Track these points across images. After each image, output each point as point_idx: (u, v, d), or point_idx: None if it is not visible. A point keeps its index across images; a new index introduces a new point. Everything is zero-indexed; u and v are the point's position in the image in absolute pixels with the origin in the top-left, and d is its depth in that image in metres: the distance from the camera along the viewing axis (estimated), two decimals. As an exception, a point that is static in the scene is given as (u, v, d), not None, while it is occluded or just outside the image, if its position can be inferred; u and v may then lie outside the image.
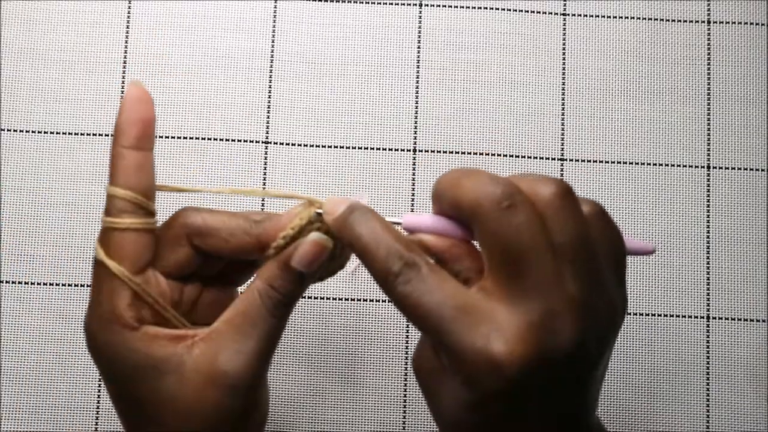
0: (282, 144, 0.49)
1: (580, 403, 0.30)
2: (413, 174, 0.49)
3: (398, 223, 0.32)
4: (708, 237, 0.49)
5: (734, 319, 0.48)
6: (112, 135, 0.34)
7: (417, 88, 0.50)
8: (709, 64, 0.51)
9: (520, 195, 0.28)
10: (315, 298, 0.48)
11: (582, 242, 0.28)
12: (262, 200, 0.49)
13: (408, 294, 0.29)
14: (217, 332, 0.33)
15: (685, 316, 0.48)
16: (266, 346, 0.33)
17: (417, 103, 0.50)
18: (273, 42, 0.50)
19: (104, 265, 0.33)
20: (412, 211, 0.49)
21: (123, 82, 0.50)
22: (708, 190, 0.50)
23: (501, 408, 0.28)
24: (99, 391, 0.47)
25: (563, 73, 0.51)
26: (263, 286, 0.33)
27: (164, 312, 0.33)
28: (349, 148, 0.49)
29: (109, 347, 0.32)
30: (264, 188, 0.49)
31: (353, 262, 0.34)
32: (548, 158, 0.50)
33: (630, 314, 0.48)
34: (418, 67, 0.50)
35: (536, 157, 0.50)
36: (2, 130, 0.49)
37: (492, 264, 0.29)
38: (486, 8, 0.51)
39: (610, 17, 0.51)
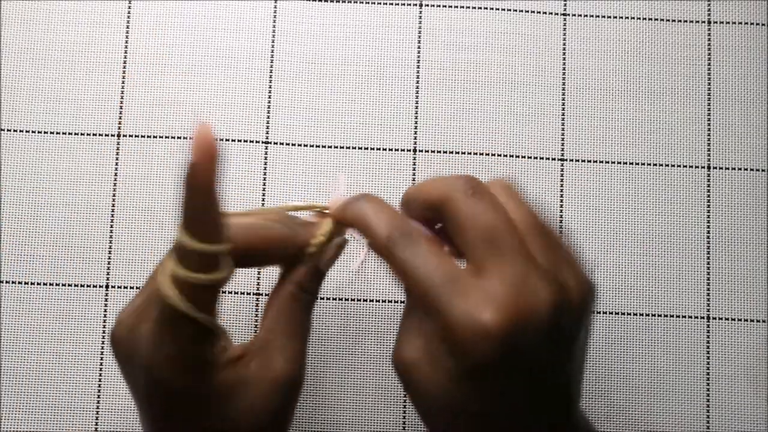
0: (282, 144, 0.49)
1: (567, 375, 0.32)
2: (413, 174, 0.49)
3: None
4: (708, 237, 0.49)
5: (734, 320, 0.48)
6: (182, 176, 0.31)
7: (417, 88, 0.50)
8: (709, 64, 0.51)
9: (479, 185, 0.32)
10: (315, 298, 0.48)
11: (536, 222, 0.32)
12: (262, 202, 0.49)
13: (407, 259, 0.32)
14: (265, 341, 0.35)
15: (685, 317, 0.48)
16: (306, 340, 0.37)
17: (417, 103, 0.50)
18: (273, 42, 0.50)
19: (187, 317, 0.32)
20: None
21: (123, 82, 0.50)
22: (708, 191, 0.50)
23: (490, 377, 0.30)
24: (99, 392, 0.47)
25: (563, 73, 0.51)
26: (297, 290, 0.36)
27: (220, 332, 0.34)
28: (349, 148, 0.49)
29: (185, 384, 0.33)
30: (264, 188, 0.49)
31: (356, 260, 0.36)
32: (548, 158, 0.50)
33: (630, 315, 0.48)
34: (418, 67, 0.50)
35: (536, 157, 0.50)
36: (2, 130, 0.49)
37: (468, 247, 0.31)
38: (486, 8, 0.51)
39: (610, 17, 0.51)
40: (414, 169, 0.49)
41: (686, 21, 0.51)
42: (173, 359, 0.32)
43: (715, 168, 0.50)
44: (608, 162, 0.50)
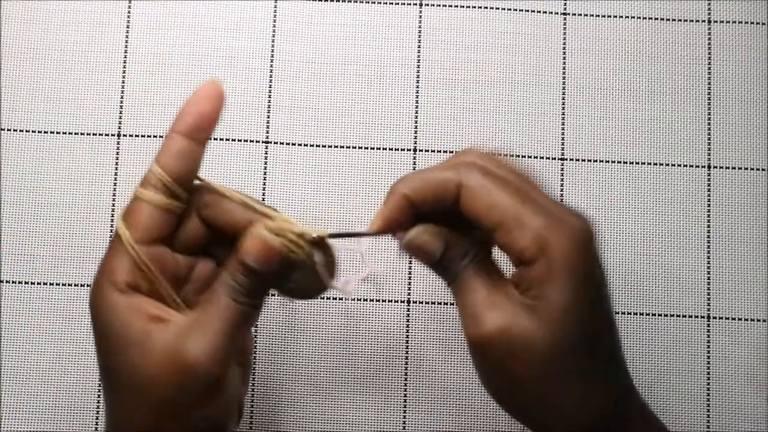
0: (282, 144, 0.49)
1: (610, 311, 0.34)
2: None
3: (370, 234, 0.35)
4: (708, 237, 0.49)
5: (735, 319, 0.48)
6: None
7: (417, 87, 0.50)
8: (709, 63, 0.51)
9: (488, 155, 0.35)
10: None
11: (524, 177, 0.34)
12: (262, 200, 0.49)
13: (481, 185, 0.33)
14: (190, 317, 0.34)
15: (685, 316, 0.48)
16: (227, 332, 0.33)
17: (417, 102, 0.50)
18: (273, 42, 0.50)
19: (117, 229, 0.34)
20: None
21: (123, 82, 0.50)
22: (708, 190, 0.50)
23: (586, 279, 0.32)
24: (99, 390, 0.47)
25: (564, 73, 0.51)
26: (224, 274, 0.34)
27: (158, 285, 0.34)
28: (349, 148, 0.49)
29: (100, 308, 0.34)
30: (264, 188, 0.49)
31: (348, 279, 0.36)
32: (548, 158, 0.50)
33: (631, 314, 0.48)
34: (418, 67, 0.50)
35: (536, 157, 0.50)
36: (2, 130, 0.49)
37: (503, 215, 0.32)
38: (486, 8, 0.51)
39: (610, 17, 0.51)
40: (414, 169, 0.49)
41: (686, 20, 0.51)
42: (102, 279, 0.33)
43: (716, 167, 0.50)
44: (608, 161, 0.50)
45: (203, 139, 0.35)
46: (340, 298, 0.48)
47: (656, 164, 0.50)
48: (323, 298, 0.48)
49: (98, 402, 0.47)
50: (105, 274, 0.34)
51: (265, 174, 0.49)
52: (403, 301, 0.48)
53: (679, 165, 0.50)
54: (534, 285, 0.31)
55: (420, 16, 0.51)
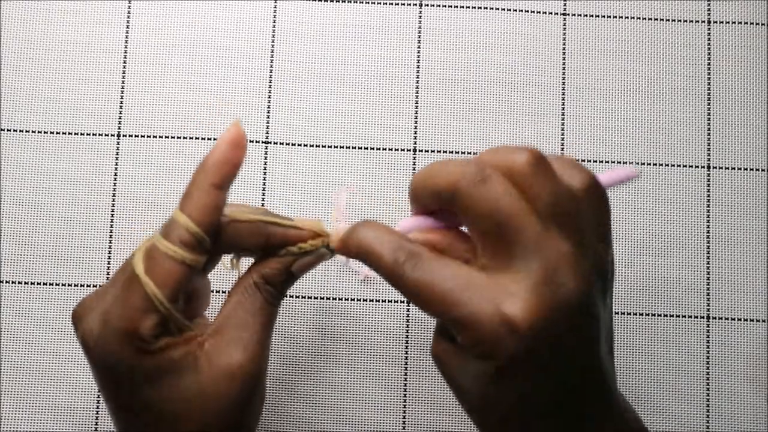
0: (282, 144, 0.49)
1: (598, 355, 0.31)
2: (413, 174, 0.49)
3: None
4: (708, 237, 0.49)
5: (734, 319, 0.48)
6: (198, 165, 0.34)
7: (417, 88, 0.50)
8: (709, 64, 0.51)
9: (490, 168, 0.30)
10: (315, 298, 0.48)
11: (560, 203, 0.30)
12: (262, 202, 0.49)
13: (418, 278, 0.31)
14: (223, 326, 0.34)
15: (685, 316, 0.48)
16: (268, 332, 0.35)
17: (417, 103, 0.50)
18: (273, 42, 0.50)
19: (139, 282, 0.32)
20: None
21: (123, 82, 0.50)
22: (708, 190, 0.50)
23: (523, 372, 0.29)
24: (99, 391, 0.47)
25: (563, 73, 0.51)
26: (261, 280, 0.35)
27: (183, 326, 0.34)
28: (349, 148, 0.49)
29: (122, 358, 0.32)
30: (264, 188, 0.49)
31: (364, 269, 0.37)
32: (548, 158, 0.50)
33: (630, 314, 0.48)
34: (418, 67, 0.50)
35: (536, 157, 0.50)
36: (2, 130, 0.49)
37: (482, 240, 0.30)
38: (486, 8, 0.51)
39: (610, 17, 0.51)
40: (414, 169, 0.49)
41: (686, 21, 0.51)
42: (120, 334, 0.32)
43: (715, 168, 0.50)
44: (608, 162, 0.50)
45: (229, 186, 0.34)
46: (340, 298, 0.48)
47: (656, 164, 0.50)
48: (323, 299, 0.48)
49: (98, 403, 0.47)
50: (124, 330, 0.32)
51: (264, 174, 0.49)
52: (403, 302, 0.48)
53: (679, 165, 0.50)
54: (471, 354, 0.31)
55: (420, 16, 0.51)
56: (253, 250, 0.36)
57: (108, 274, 0.48)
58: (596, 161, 0.50)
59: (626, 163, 0.50)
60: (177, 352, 0.33)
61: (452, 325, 0.30)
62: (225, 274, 0.47)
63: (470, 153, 0.50)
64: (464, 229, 0.33)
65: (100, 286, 0.48)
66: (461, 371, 0.32)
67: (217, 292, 0.48)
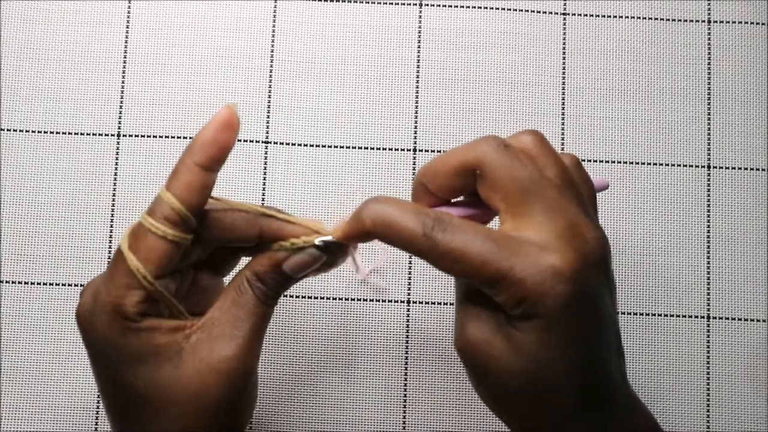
0: (282, 144, 0.49)
1: (617, 325, 0.34)
2: (413, 174, 0.49)
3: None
4: (708, 237, 0.49)
5: (734, 319, 0.48)
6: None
7: (417, 87, 0.50)
8: (709, 63, 0.51)
9: (508, 142, 0.33)
10: (315, 297, 0.48)
11: (566, 176, 0.33)
12: (262, 202, 0.49)
13: (450, 240, 0.30)
14: (213, 320, 0.34)
15: (685, 316, 0.48)
16: (258, 331, 0.35)
17: (417, 102, 0.50)
18: (273, 42, 0.50)
19: (125, 258, 0.32)
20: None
21: (123, 82, 0.50)
22: (708, 190, 0.50)
23: (568, 323, 0.30)
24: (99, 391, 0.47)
25: (563, 73, 0.51)
26: (253, 277, 0.35)
27: (175, 311, 0.34)
28: (349, 148, 0.49)
29: (107, 334, 0.33)
30: (264, 188, 0.49)
31: (364, 268, 0.36)
32: (548, 158, 0.50)
33: (630, 314, 0.48)
34: (418, 67, 0.50)
35: (536, 157, 0.50)
36: (2, 130, 0.49)
37: (508, 202, 0.32)
38: (486, 8, 0.51)
39: (610, 17, 0.51)
40: (414, 169, 0.49)
41: (686, 20, 0.51)
42: (107, 309, 0.32)
43: (716, 167, 0.50)
44: (608, 161, 0.50)
45: (219, 169, 0.34)
46: (340, 298, 0.48)
47: (656, 164, 0.50)
48: (323, 299, 0.48)
49: (97, 403, 0.47)
50: (110, 307, 0.32)
51: (264, 174, 0.49)
52: (403, 302, 0.48)
53: (679, 165, 0.50)
54: (514, 316, 0.31)
55: (420, 16, 0.51)
56: (248, 241, 0.35)
57: (108, 274, 0.48)
58: (596, 161, 0.50)
59: (626, 163, 0.50)
60: (162, 338, 0.33)
61: (493, 285, 0.30)
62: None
63: (470, 153, 0.50)
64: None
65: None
66: (501, 343, 0.31)
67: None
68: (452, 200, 0.35)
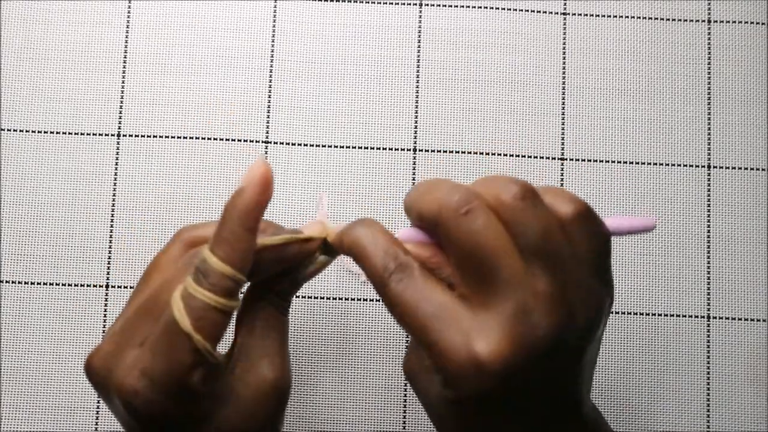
0: (282, 144, 0.49)
1: (572, 390, 0.31)
2: (413, 174, 0.49)
3: None
4: (708, 237, 0.49)
5: (735, 319, 0.48)
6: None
7: (417, 87, 0.50)
8: (709, 63, 0.51)
9: (477, 201, 0.29)
10: (315, 297, 0.48)
11: (547, 239, 0.29)
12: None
13: (400, 293, 0.30)
14: (247, 347, 0.34)
15: (685, 316, 0.48)
16: (285, 344, 0.35)
17: (417, 102, 0.50)
18: (273, 42, 0.50)
19: (185, 336, 0.31)
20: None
21: (123, 82, 0.50)
22: (708, 190, 0.50)
23: (485, 409, 0.29)
24: None
25: (563, 73, 0.51)
26: (276, 297, 0.35)
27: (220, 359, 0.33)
28: (349, 148, 0.49)
29: (171, 412, 0.31)
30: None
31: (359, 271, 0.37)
32: (548, 158, 0.50)
33: (631, 314, 0.48)
34: (418, 67, 0.50)
35: (536, 157, 0.50)
36: (2, 130, 0.49)
37: (461, 270, 0.30)
38: (486, 8, 0.51)
39: (610, 17, 0.51)
40: (414, 169, 0.49)
41: (686, 20, 0.51)
42: (160, 385, 0.31)
43: (716, 167, 0.50)
44: (608, 161, 0.50)
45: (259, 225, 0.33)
46: (340, 298, 0.48)
47: (656, 164, 0.50)
48: (323, 299, 0.48)
49: (98, 403, 0.47)
50: (177, 387, 0.31)
51: (265, 174, 0.49)
52: (403, 301, 0.48)
53: (679, 165, 0.50)
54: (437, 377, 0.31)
55: (420, 16, 0.51)
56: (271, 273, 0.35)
57: (108, 274, 0.48)
58: (596, 160, 0.50)
59: (626, 163, 0.50)
60: (219, 389, 0.33)
61: (423, 347, 0.30)
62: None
63: (470, 153, 0.50)
64: None
65: (100, 286, 0.48)
66: (427, 387, 0.31)
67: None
68: None
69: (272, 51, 0.50)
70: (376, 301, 0.48)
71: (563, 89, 0.50)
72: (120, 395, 0.31)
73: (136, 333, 0.32)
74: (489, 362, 0.28)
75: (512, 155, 0.49)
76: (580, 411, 0.32)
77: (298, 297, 0.48)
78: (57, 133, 0.49)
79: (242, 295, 0.35)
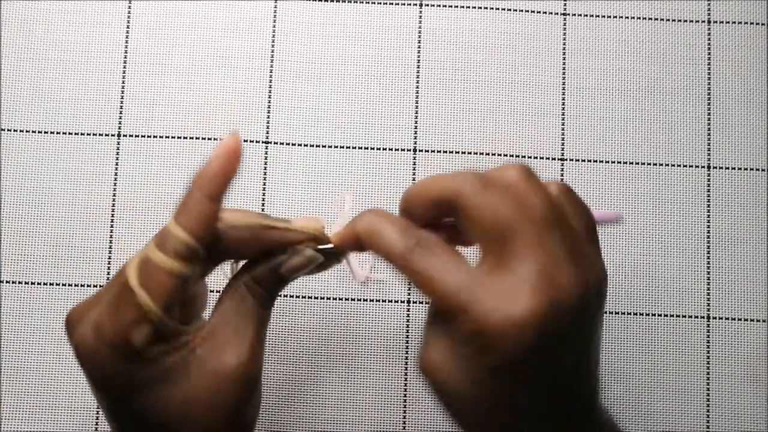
0: (282, 144, 0.49)
1: (591, 365, 0.32)
2: (413, 174, 0.49)
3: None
4: (708, 237, 0.49)
5: (734, 319, 0.48)
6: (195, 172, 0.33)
7: (417, 88, 0.50)
8: (709, 64, 0.51)
9: (490, 178, 0.32)
10: (315, 297, 0.48)
11: (553, 213, 0.31)
12: (262, 202, 0.49)
13: (425, 266, 0.31)
14: (215, 329, 0.34)
15: (685, 316, 0.48)
16: (261, 334, 0.35)
17: (417, 103, 0.50)
18: (273, 42, 0.50)
19: (131, 292, 0.32)
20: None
21: (123, 82, 0.50)
22: (708, 190, 0.50)
23: (521, 371, 0.30)
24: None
25: (563, 73, 0.51)
26: (251, 282, 0.35)
27: (178, 329, 0.33)
28: (349, 148, 0.49)
29: (115, 367, 0.32)
30: (264, 188, 0.49)
31: (364, 271, 0.36)
32: (548, 158, 0.50)
33: (630, 314, 0.48)
34: (418, 67, 0.50)
35: (536, 157, 0.50)
36: (2, 130, 0.49)
37: (485, 241, 0.31)
38: (486, 8, 0.51)
39: (610, 17, 0.51)
40: (414, 169, 0.49)
41: (686, 21, 0.51)
42: (113, 344, 0.32)
43: (715, 167, 0.50)
44: (608, 162, 0.50)
45: (223, 196, 0.34)
46: (340, 298, 0.48)
47: (656, 164, 0.50)
48: (323, 299, 0.48)
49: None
50: (118, 341, 0.32)
51: (264, 174, 0.49)
52: (403, 301, 0.48)
53: (679, 165, 0.50)
54: (469, 349, 0.31)
55: (420, 16, 0.51)
56: (252, 256, 0.35)
57: (108, 274, 0.48)
58: (596, 161, 0.50)
59: (626, 163, 0.50)
60: (170, 360, 0.33)
61: (453, 317, 0.30)
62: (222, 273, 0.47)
63: (470, 153, 0.50)
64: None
65: (100, 287, 0.48)
66: (457, 371, 0.31)
67: (213, 292, 0.48)
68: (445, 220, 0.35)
69: (272, 51, 0.50)
70: (377, 301, 0.48)
71: (563, 89, 0.50)
72: (73, 343, 0.33)
73: (106, 292, 0.33)
74: (526, 320, 0.29)
75: (512, 155, 0.49)
76: (596, 401, 0.33)
77: (299, 297, 0.48)
78: (57, 133, 0.49)
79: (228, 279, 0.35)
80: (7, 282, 0.48)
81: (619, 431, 0.35)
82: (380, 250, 0.32)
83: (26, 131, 0.49)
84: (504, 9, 0.51)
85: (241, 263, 0.36)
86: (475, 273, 0.30)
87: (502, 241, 0.30)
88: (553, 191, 0.32)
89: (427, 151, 0.50)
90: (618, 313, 0.48)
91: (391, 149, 0.50)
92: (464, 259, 0.31)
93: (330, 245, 0.35)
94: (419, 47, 0.51)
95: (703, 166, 0.50)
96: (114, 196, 0.49)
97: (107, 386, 0.33)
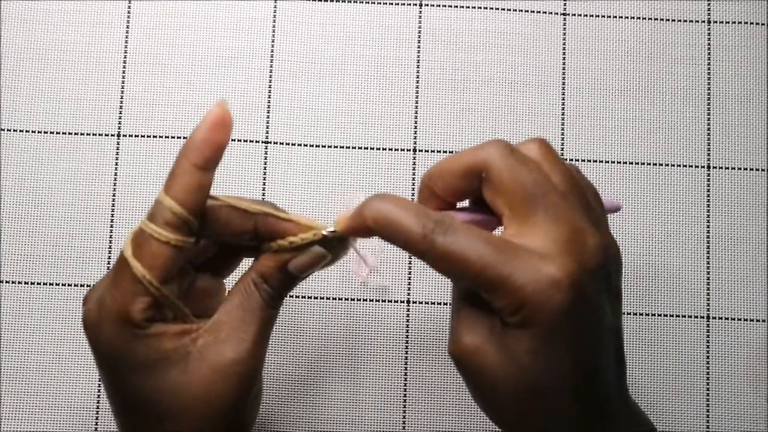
0: (282, 144, 0.49)
1: (618, 331, 0.33)
2: (413, 174, 0.49)
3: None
4: (708, 237, 0.49)
5: (734, 319, 0.48)
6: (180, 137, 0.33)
7: (417, 88, 0.50)
8: (709, 64, 0.51)
9: (515, 147, 0.33)
10: (315, 298, 0.48)
11: (573, 182, 0.33)
12: (262, 195, 0.49)
13: (450, 244, 0.30)
14: (219, 323, 0.34)
15: (685, 316, 0.48)
16: (264, 333, 0.35)
17: (417, 103, 0.50)
18: (273, 42, 0.50)
19: (128, 265, 0.32)
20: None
21: (123, 82, 0.50)
22: (708, 190, 0.50)
23: (562, 334, 0.30)
24: (99, 391, 0.47)
25: (563, 73, 0.51)
26: (259, 279, 0.35)
27: (181, 314, 0.34)
28: (349, 148, 0.49)
29: (114, 342, 0.33)
30: (264, 188, 0.49)
31: (365, 270, 0.36)
32: (548, 158, 0.50)
33: (630, 314, 0.48)
34: (418, 67, 0.50)
35: (536, 157, 0.50)
36: (2, 130, 0.49)
37: (512, 207, 0.31)
38: (486, 8, 0.51)
39: (610, 17, 0.51)
40: (414, 169, 0.49)
41: (686, 21, 0.51)
42: (113, 317, 0.32)
43: (715, 168, 0.50)
44: (608, 162, 0.50)
45: (215, 167, 0.33)
46: (340, 298, 0.48)
47: (656, 164, 0.50)
48: (323, 299, 0.48)
49: (98, 403, 0.47)
50: (115, 315, 0.32)
51: (264, 174, 0.49)
52: (403, 302, 0.48)
53: (679, 165, 0.50)
54: (510, 323, 0.30)
55: (420, 16, 0.51)
56: (243, 236, 0.35)
57: (108, 274, 0.48)
58: (596, 161, 0.50)
59: (626, 163, 0.50)
60: (169, 343, 0.33)
61: (492, 290, 0.30)
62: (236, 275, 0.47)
63: (470, 153, 0.50)
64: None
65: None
66: (495, 350, 0.31)
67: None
68: (457, 206, 0.35)
69: (272, 51, 0.50)
70: (376, 301, 0.48)
71: (563, 89, 0.50)
72: (82, 319, 0.34)
73: (112, 270, 0.34)
74: (563, 278, 0.29)
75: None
76: (625, 379, 0.34)
77: (299, 297, 0.48)
78: (57, 133, 0.49)
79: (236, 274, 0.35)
80: (7, 282, 0.48)
81: (649, 423, 0.35)
82: (397, 237, 0.31)
83: (26, 131, 0.49)
84: (504, 9, 0.51)
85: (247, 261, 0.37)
86: (502, 243, 0.30)
87: (528, 207, 0.31)
88: (570, 167, 0.34)
89: (427, 151, 0.50)
90: (623, 315, 0.48)
91: (391, 149, 0.50)
92: (486, 231, 0.31)
93: (331, 230, 0.34)
94: (419, 47, 0.51)
95: (703, 166, 0.50)
96: (114, 196, 0.49)
97: (108, 362, 0.33)
